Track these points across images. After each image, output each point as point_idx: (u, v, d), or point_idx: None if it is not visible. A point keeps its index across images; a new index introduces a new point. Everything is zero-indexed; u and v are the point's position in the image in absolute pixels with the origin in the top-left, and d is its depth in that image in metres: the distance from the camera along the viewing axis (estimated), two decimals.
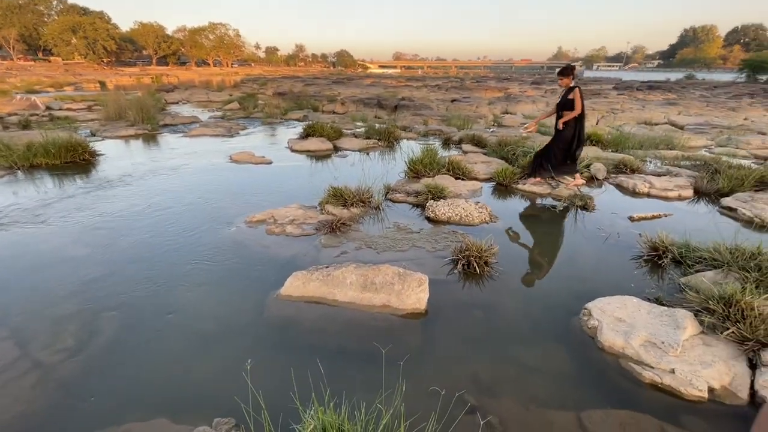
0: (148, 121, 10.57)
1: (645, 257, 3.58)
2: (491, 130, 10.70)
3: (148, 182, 5.82)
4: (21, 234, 3.98)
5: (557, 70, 5.28)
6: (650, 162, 7.06)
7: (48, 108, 14.03)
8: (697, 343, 2.39)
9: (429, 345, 2.53)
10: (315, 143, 8.16)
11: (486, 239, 3.54)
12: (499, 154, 7.08)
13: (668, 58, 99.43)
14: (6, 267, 3.37)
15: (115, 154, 7.70)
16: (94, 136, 9.29)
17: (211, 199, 5.10)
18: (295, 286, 2.96)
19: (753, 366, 2.22)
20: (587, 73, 68.93)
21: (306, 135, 8.64)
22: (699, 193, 5.38)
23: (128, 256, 3.56)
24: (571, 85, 4.93)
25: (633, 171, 6.19)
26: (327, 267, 3.10)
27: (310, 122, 9.28)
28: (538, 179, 5.54)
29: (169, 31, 72.97)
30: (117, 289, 3.05)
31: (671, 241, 3.53)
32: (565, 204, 4.97)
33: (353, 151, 8.14)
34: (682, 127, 11.79)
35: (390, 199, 5.13)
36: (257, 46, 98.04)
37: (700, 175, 5.68)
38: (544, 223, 4.60)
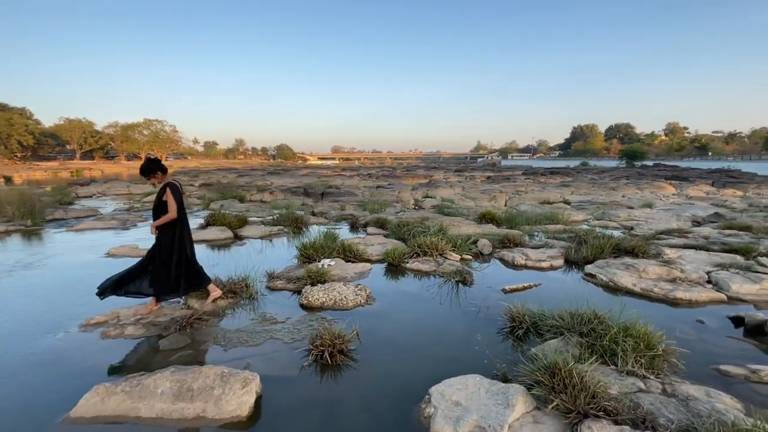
0: (30, 217, 9.55)
1: (506, 329, 3.57)
2: (401, 213, 11.19)
3: (11, 276, 4.96)
4: None
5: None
6: (536, 236, 7.65)
7: None
8: (528, 421, 2.25)
9: None
10: (214, 232, 7.80)
11: (349, 326, 3.33)
12: (397, 235, 7.25)
13: (565, 149, 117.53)
14: None
15: None
16: None
17: (54, 299, 4.41)
18: (92, 403, 2.42)
19: None
20: (504, 162, 78.34)
21: (206, 224, 8.28)
22: (568, 262, 5.80)
23: None
24: (167, 182, 3.85)
25: (516, 245, 6.61)
26: (141, 375, 2.62)
27: (212, 212, 8.99)
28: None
29: (99, 127, 71.85)
30: None
31: (526, 310, 3.59)
32: (446, 280, 5.03)
33: (255, 238, 7.87)
34: (569, 203, 13.31)
35: (270, 287, 4.82)
36: (195, 141, 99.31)
37: (569, 246, 6.19)
38: (422, 300, 4.53)
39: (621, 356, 2.72)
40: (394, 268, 5.68)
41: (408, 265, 5.66)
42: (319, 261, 5.59)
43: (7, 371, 2.95)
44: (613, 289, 4.66)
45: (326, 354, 3.03)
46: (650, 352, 2.75)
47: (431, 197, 16.85)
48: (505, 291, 4.62)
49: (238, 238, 7.94)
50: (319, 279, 4.70)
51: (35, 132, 59.94)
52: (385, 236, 7.48)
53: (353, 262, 5.78)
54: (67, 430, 2.31)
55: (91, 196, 17.24)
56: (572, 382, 2.30)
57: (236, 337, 3.47)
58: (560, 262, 5.77)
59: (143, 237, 8.03)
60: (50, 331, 3.59)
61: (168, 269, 3.84)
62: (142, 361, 3.13)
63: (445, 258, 5.81)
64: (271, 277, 5.02)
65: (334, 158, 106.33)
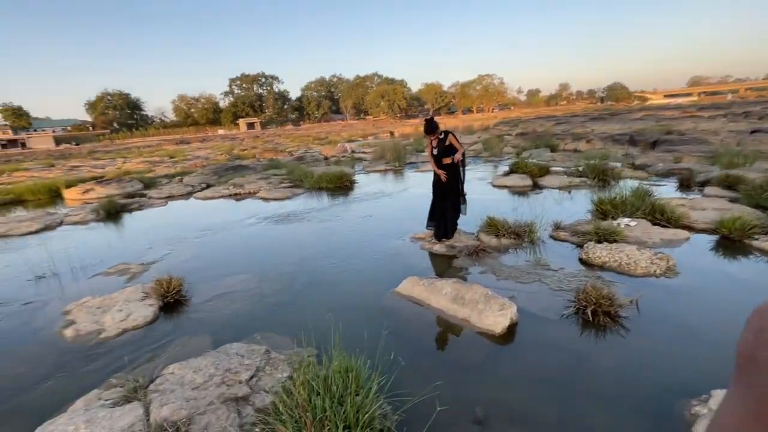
0: (398, 160, 13.63)
1: None
2: None
3: (380, 202, 7.85)
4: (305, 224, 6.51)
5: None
6: None
7: (352, 151, 20.21)
8: None
9: (486, 363, 2.66)
10: (514, 179, 8.35)
11: (629, 292, 3.04)
12: (755, 201, 5.12)
13: None
14: (290, 238, 5.71)
15: (366, 182, 10.55)
16: (363, 170, 12.94)
17: (402, 217, 6.43)
18: (406, 287, 3.64)
19: None
20: None
21: (510, 172, 8.94)
22: None
23: (337, 239, 5.24)
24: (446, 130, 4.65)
25: None
26: (435, 278, 3.62)
27: (516, 160, 9.48)
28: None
29: (445, 87, 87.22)
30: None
31: None
32: None
33: (553, 188, 7.80)
34: None
35: (553, 236, 4.89)
36: (519, 90, 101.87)
37: None
38: (756, 291, 3.24)
39: None
40: (731, 243, 4.23)
41: (757, 243, 4.05)
42: (615, 219, 5.00)
43: (372, 254, 4.80)
44: None
45: (588, 311, 2.97)
46: None
47: None
48: None
49: (537, 186, 8.14)
50: (607, 237, 4.30)
51: (407, 97, 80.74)
52: (732, 200, 5.47)
53: (664, 226, 4.76)
54: (393, 298, 3.63)
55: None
56: None
57: (509, 272, 3.94)
58: None
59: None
60: (397, 237, 5.39)
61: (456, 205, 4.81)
62: (439, 269, 4.22)
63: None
64: (557, 227, 5.04)
65: (690, 94, 79.30)
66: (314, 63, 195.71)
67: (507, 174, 8.94)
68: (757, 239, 4.11)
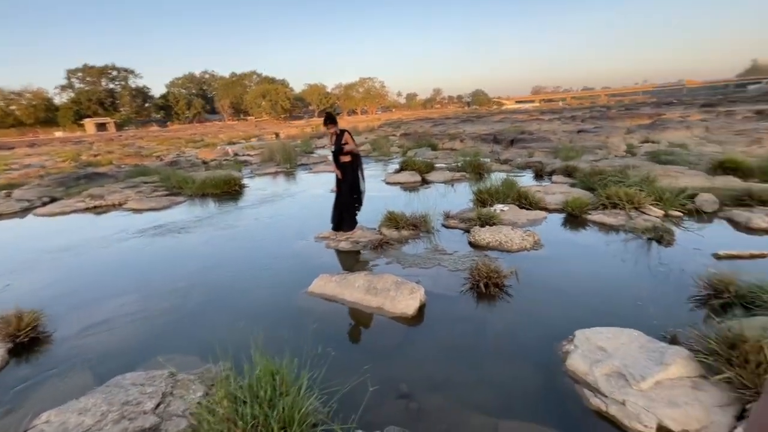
0: (289, 162, 13.24)
1: (699, 297, 3.04)
2: (601, 160, 9.69)
3: (275, 205, 7.51)
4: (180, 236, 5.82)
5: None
6: None
7: (235, 154, 18.78)
8: (685, 384, 2.09)
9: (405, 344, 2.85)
10: (406, 176, 8.97)
11: (509, 265, 3.58)
12: (586, 185, 6.55)
13: None
14: (178, 250, 5.05)
15: (256, 186, 10.00)
16: (251, 173, 12.20)
17: (302, 217, 6.33)
18: (319, 285, 3.64)
19: (741, 418, 1.85)
20: None
21: (400, 169, 9.55)
22: None
23: (234, 245, 4.87)
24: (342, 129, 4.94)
25: (764, 203, 4.96)
26: (347, 273, 3.70)
27: (404, 159, 10.19)
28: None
29: (329, 89, 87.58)
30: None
31: (735, 279, 2.92)
32: (637, 236, 4.42)
33: (439, 182, 8.62)
34: None
35: (444, 225, 5.44)
36: (399, 94, 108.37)
37: None
38: (596, 253, 4.21)
39: None
40: (574, 218, 5.32)
41: (591, 217, 5.20)
42: (492, 206, 5.81)
43: (276, 259, 4.64)
44: None
45: (481, 284, 3.43)
46: None
47: (654, 142, 13.65)
48: (718, 256, 3.75)
49: (425, 181, 8.88)
50: (487, 221, 4.99)
51: (290, 97, 78.53)
52: (572, 185, 6.88)
53: (528, 209, 5.73)
54: (306, 298, 3.59)
55: (323, 147, 21.95)
56: (758, 358, 1.94)
57: (412, 260, 4.26)
58: None
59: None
60: (299, 238, 5.29)
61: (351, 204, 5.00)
62: (347, 264, 4.32)
63: (642, 212, 5.01)
64: (447, 216, 5.61)
65: (533, 101, 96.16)
66: (179, 57, 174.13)
67: (398, 171, 9.53)
68: (590, 214, 5.27)
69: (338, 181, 5.07)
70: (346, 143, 4.90)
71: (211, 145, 25.02)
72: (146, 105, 76.13)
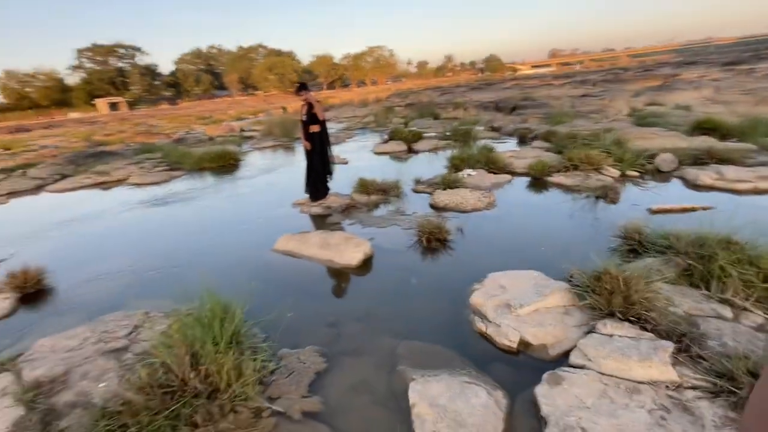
0: (287, 136, 13.57)
1: (616, 246, 3.36)
2: (596, 125, 9.69)
3: (265, 177, 7.95)
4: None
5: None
6: None
7: (242, 129, 19.20)
8: (558, 311, 2.46)
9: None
10: (392, 146, 9.23)
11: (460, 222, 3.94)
12: (558, 149, 6.72)
13: None
14: (169, 219, 5.59)
15: (254, 159, 10.43)
16: (251, 148, 12.62)
17: (288, 188, 6.75)
18: (282, 243, 4.09)
19: (590, 332, 2.23)
20: None
21: (388, 140, 9.79)
22: None
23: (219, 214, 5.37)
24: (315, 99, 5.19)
25: (722, 162, 5.10)
26: (306, 232, 4.14)
27: (392, 129, 10.39)
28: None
29: (337, 60, 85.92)
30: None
31: (640, 228, 3.22)
32: (588, 196, 4.68)
33: (425, 151, 8.86)
34: None
35: (414, 190, 5.78)
36: (409, 62, 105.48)
37: None
38: (544, 211, 4.51)
39: (719, 282, 2.33)
40: (537, 181, 5.58)
41: (552, 179, 5.44)
42: (462, 171, 6.09)
43: (253, 224, 5.11)
44: None
45: (424, 239, 3.81)
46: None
47: (659, 104, 13.35)
48: (652, 211, 4.01)
49: (412, 151, 9.13)
50: (450, 185, 5.30)
51: (298, 70, 77.56)
52: (547, 150, 7.05)
53: (495, 173, 5.99)
54: (272, 254, 4.05)
55: (330, 120, 22.11)
56: (612, 285, 2.29)
57: (373, 221, 4.66)
58: None
59: (347, 149, 10.31)
60: (279, 206, 5.73)
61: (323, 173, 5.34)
62: (316, 227, 4.75)
63: (601, 173, 5.23)
64: (417, 182, 5.93)
65: (549, 65, 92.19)
66: (185, 31, 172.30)
67: (386, 141, 9.78)
68: (551, 176, 5.50)
69: (307, 152, 5.41)
70: (315, 114, 5.19)
71: (218, 121, 25.41)
72: (155, 83, 76.55)
